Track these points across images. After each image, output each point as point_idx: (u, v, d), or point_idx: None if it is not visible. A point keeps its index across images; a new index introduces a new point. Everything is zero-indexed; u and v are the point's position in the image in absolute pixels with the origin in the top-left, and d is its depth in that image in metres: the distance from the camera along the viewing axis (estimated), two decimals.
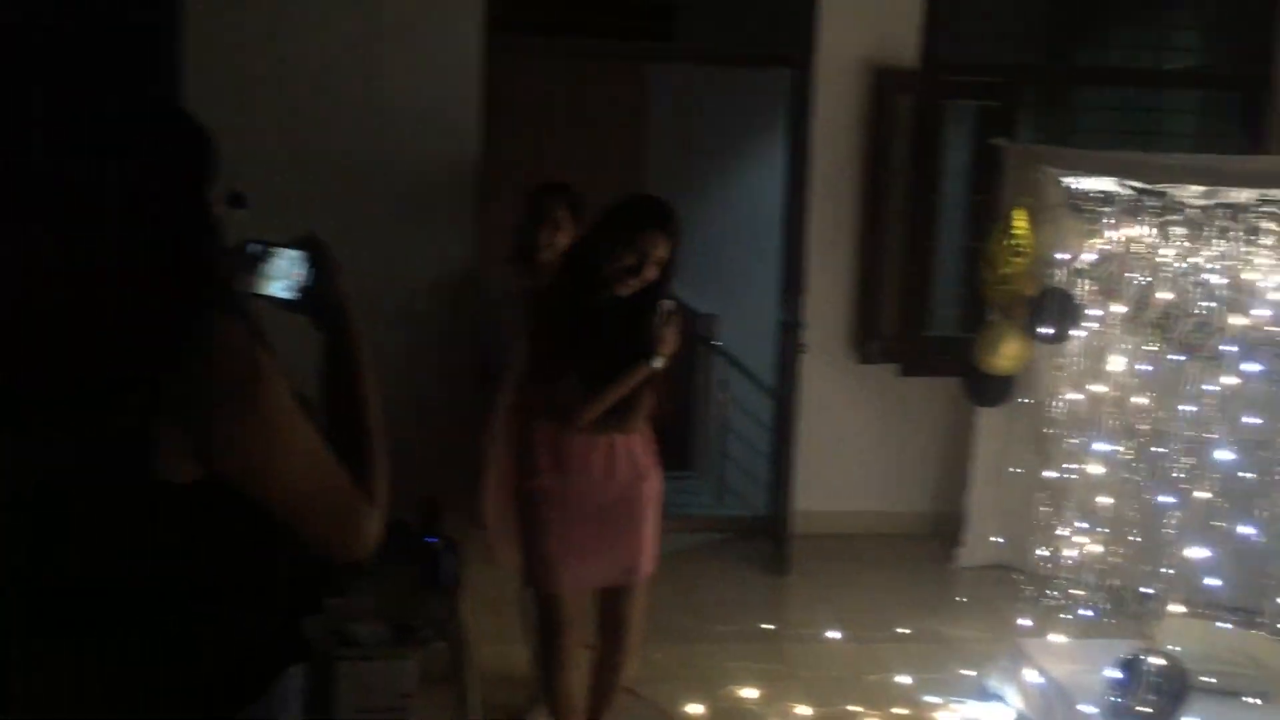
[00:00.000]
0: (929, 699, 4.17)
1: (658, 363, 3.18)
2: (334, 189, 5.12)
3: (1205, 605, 4.38)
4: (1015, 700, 4.01)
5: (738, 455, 7.51)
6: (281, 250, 1.66)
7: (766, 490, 6.16)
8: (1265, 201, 4.65)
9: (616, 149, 5.22)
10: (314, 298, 1.65)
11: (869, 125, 5.71)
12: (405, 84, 5.14)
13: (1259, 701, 3.62)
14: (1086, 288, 4.82)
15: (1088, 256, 4.75)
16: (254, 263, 1.64)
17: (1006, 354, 4.90)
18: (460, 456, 4.14)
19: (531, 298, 3.29)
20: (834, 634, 4.73)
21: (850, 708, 4.07)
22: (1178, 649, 3.60)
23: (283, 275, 1.65)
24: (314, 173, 5.11)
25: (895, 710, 4.08)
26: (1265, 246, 4.66)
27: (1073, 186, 4.78)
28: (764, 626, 4.82)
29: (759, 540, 5.84)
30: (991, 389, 5.12)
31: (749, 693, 4.16)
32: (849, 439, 5.95)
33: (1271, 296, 4.64)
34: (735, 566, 5.54)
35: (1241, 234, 4.67)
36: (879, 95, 5.66)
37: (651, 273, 3.12)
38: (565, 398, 3.17)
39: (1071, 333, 4.77)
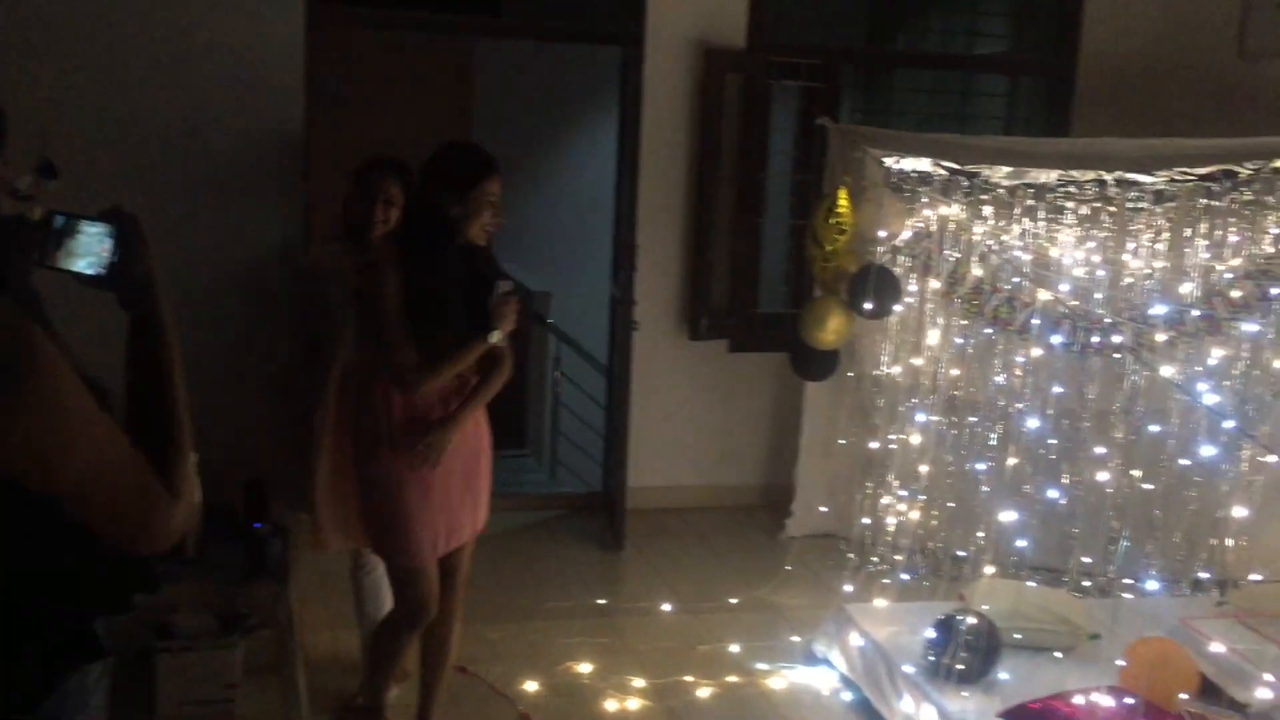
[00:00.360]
0: (759, 666, 4.28)
1: (494, 338, 3.18)
2: (149, 162, 4.89)
3: (1014, 566, 4.62)
4: (840, 663, 4.15)
5: (571, 432, 7.55)
6: (87, 224, 1.57)
7: (600, 466, 6.21)
8: (1067, 182, 4.91)
9: (442, 123, 5.15)
10: (120, 274, 1.57)
11: (699, 104, 5.77)
12: (225, 53, 4.93)
13: (1061, 655, 3.84)
14: (905, 264, 5.00)
15: (906, 234, 4.92)
16: (59, 236, 1.56)
17: (831, 329, 5.04)
18: (286, 438, 4.02)
19: (371, 272, 3.20)
20: (667, 606, 4.80)
21: (684, 678, 4.15)
22: (989, 608, 3.78)
23: (88, 250, 1.57)
24: (128, 145, 4.86)
25: (727, 678, 4.17)
26: (1067, 225, 4.92)
27: (892, 166, 4.95)
28: (598, 602, 4.85)
29: (593, 516, 5.88)
30: (817, 363, 5.27)
31: (584, 667, 4.19)
32: (681, 415, 6.03)
33: (1074, 272, 4.91)
34: (569, 543, 5.56)
35: (1045, 213, 4.92)
36: (708, 75, 5.73)
37: (500, 218, 3.17)
38: (410, 368, 3.12)
39: (892, 308, 4.94)
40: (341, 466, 3.45)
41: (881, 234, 4.83)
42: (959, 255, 4.98)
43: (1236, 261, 4.88)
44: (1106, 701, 3.23)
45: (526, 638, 4.43)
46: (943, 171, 4.94)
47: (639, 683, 4.10)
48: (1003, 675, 3.63)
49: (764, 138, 5.90)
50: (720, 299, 5.96)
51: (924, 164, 4.94)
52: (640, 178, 5.42)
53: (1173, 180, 4.86)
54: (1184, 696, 3.33)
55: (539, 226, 8.80)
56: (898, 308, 4.99)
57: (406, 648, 3.44)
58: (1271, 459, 4.65)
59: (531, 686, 4.04)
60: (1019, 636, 3.83)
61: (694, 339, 5.94)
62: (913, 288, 5.01)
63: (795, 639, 4.50)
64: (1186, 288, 4.90)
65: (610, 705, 3.94)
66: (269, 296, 4.98)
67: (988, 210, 4.93)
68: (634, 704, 3.95)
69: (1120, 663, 3.55)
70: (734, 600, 4.90)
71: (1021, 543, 4.62)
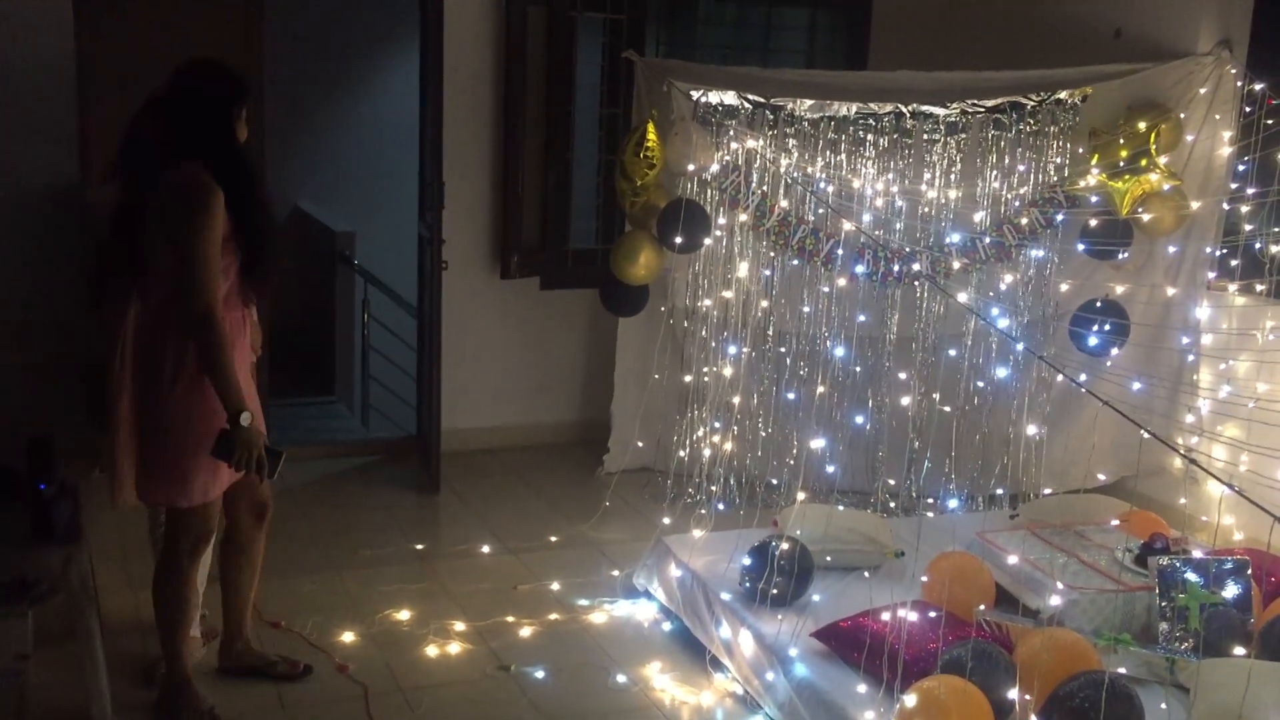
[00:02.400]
0: (580, 602, 4.29)
1: None
2: None
3: (824, 490, 4.76)
4: (660, 595, 4.20)
5: (382, 376, 7.38)
6: None
7: (413, 410, 6.09)
8: (866, 114, 5.02)
9: (230, 51, 4.89)
10: None
11: (502, 36, 5.64)
12: None
13: (869, 574, 3.98)
14: (714, 198, 5.03)
15: (714, 168, 4.95)
16: None
17: (642, 263, 5.04)
18: (71, 390, 3.78)
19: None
20: (486, 548, 4.76)
21: (505, 618, 4.12)
22: (801, 533, 3.88)
23: None
24: None
25: (549, 616, 4.17)
26: (868, 157, 5.05)
27: (698, 100, 4.95)
28: (416, 547, 4.77)
29: (408, 461, 5.78)
30: (629, 298, 5.27)
31: (403, 614, 4.12)
32: (494, 354, 5.96)
33: (875, 204, 5.04)
34: (384, 489, 5.44)
35: (847, 145, 5.04)
36: (510, 5, 5.59)
37: None
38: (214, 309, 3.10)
39: (701, 242, 4.97)
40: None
41: (690, 167, 4.84)
42: (766, 188, 5.04)
43: (1024, 190, 5.11)
44: (911, 615, 3.37)
45: (342, 588, 4.33)
46: (748, 105, 4.97)
47: (459, 626, 4.06)
48: (815, 597, 3.75)
49: (570, 71, 5.82)
50: (530, 236, 5.89)
51: (729, 97, 4.96)
52: (445, 112, 5.27)
53: (964, 112, 5.04)
54: (981, 607, 3.50)
55: (340, 163, 8.49)
56: (707, 241, 5.03)
57: (192, 584, 3.39)
58: (1059, 378, 4.91)
59: (348, 637, 3.94)
60: (830, 558, 3.96)
61: (505, 277, 5.86)
62: (721, 221, 5.05)
63: (615, 573, 4.54)
64: (979, 216, 5.11)
65: (431, 651, 3.89)
66: (47, 240, 4.64)
67: (792, 143, 5.01)
68: (455, 648, 3.91)
69: (923, 578, 3.70)
70: (553, 538, 4.90)
71: (831, 468, 4.77)
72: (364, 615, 4.11)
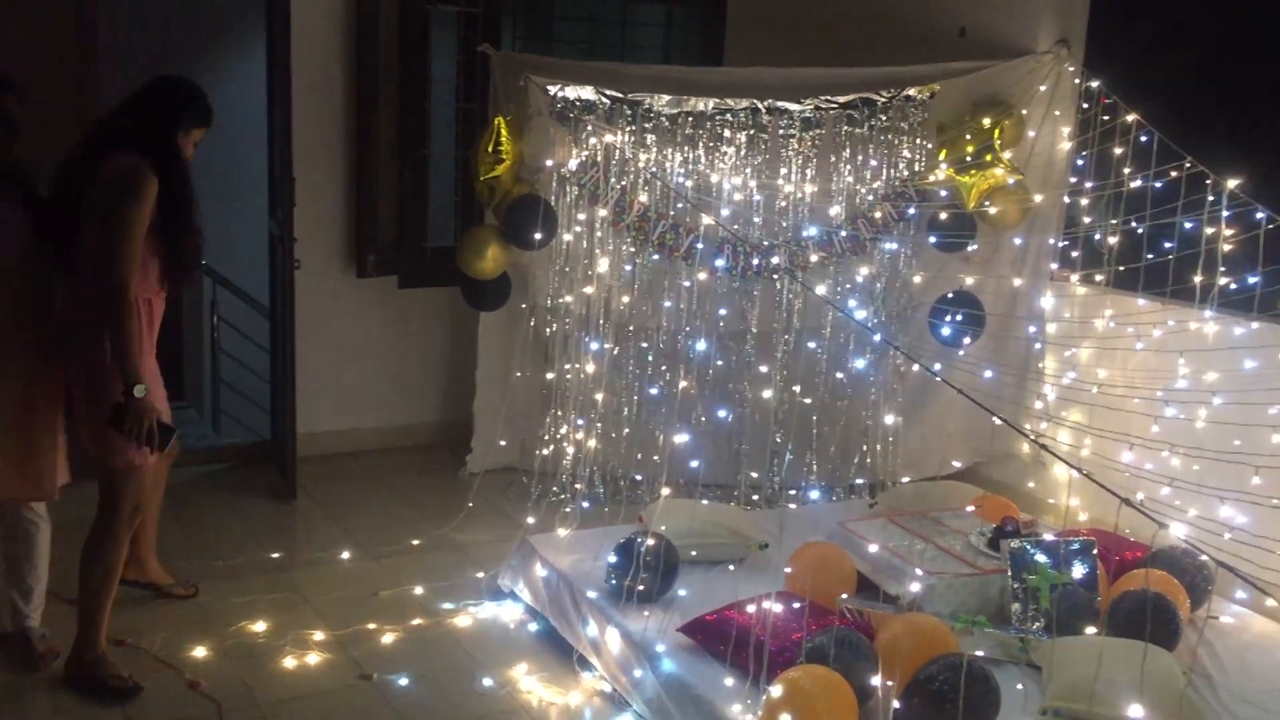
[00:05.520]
0: (445, 605, 4.22)
1: None
2: None
3: (688, 485, 4.78)
4: (526, 595, 4.16)
5: (234, 380, 7.15)
6: None
7: (267, 414, 5.90)
8: (724, 110, 5.06)
9: (57, 37, 4.65)
10: None
11: (354, 28, 5.50)
12: None
13: (734, 567, 4.01)
14: (573, 193, 5.00)
15: (573, 163, 4.91)
16: None
17: (489, 258, 4.96)
18: None
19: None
20: (346, 554, 4.64)
21: (367, 626, 4.02)
22: (666, 528, 3.88)
23: None
24: None
25: (412, 621, 4.08)
26: (725, 153, 5.08)
27: (556, 94, 4.91)
28: (272, 556, 4.62)
29: (263, 467, 5.59)
30: (490, 293, 5.19)
31: (259, 626, 3.98)
32: (351, 355, 5.82)
33: (734, 198, 5.08)
34: (238, 497, 5.25)
35: (705, 140, 5.06)
36: None
37: None
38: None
39: (554, 237, 4.93)
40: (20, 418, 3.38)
41: (548, 163, 4.79)
42: (626, 183, 5.03)
43: (877, 184, 5.21)
44: (776, 607, 3.40)
45: (193, 601, 4.15)
46: (605, 100, 4.95)
47: (319, 636, 3.94)
48: (681, 591, 3.75)
49: (425, 65, 5.70)
50: (387, 234, 5.76)
51: (587, 92, 4.94)
52: (294, 107, 5.10)
53: (818, 108, 5.12)
54: (844, 596, 3.55)
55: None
56: (567, 237, 4.99)
57: (124, 554, 3.51)
58: (915, 368, 5.03)
59: (201, 653, 3.78)
60: (695, 553, 3.97)
61: (361, 276, 5.72)
62: (581, 216, 5.02)
63: (480, 575, 4.47)
64: (834, 210, 5.19)
65: (289, 662, 3.76)
66: None
67: (651, 139, 5.01)
68: (314, 659, 3.79)
69: (787, 569, 3.74)
70: (416, 542, 4.80)
71: (694, 462, 4.79)
72: (217, 629, 3.95)
